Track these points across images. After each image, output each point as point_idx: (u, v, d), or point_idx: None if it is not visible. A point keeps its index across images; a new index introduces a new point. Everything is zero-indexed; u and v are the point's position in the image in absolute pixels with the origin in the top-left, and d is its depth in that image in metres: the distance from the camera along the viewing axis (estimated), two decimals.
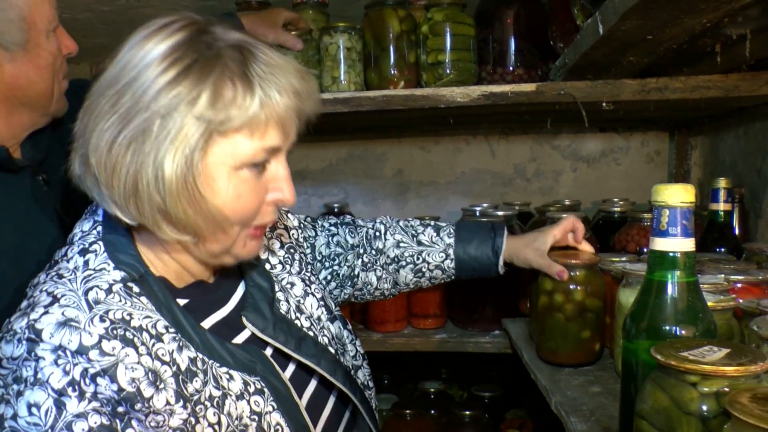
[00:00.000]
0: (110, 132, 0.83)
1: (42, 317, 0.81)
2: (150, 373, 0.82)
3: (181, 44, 0.84)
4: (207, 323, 0.96)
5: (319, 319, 1.12)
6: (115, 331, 0.82)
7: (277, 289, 1.08)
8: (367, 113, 1.75)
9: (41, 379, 0.77)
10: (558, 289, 1.34)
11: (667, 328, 0.85)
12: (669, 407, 0.73)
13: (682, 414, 0.71)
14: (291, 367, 1.03)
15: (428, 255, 1.39)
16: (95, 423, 0.76)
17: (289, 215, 1.27)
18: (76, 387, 0.77)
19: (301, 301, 1.11)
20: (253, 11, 1.89)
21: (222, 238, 0.92)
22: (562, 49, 1.53)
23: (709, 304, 0.96)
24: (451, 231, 1.42)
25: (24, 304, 0.85)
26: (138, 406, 0.80)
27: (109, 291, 0.86)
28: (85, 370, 0.78)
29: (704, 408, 0.70)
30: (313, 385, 1.05)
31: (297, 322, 1.07)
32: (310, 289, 1.15)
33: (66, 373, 0.77)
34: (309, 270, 1.20)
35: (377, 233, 1.40)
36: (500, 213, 1.87)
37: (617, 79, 1.57)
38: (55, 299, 0.83)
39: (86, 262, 0.88)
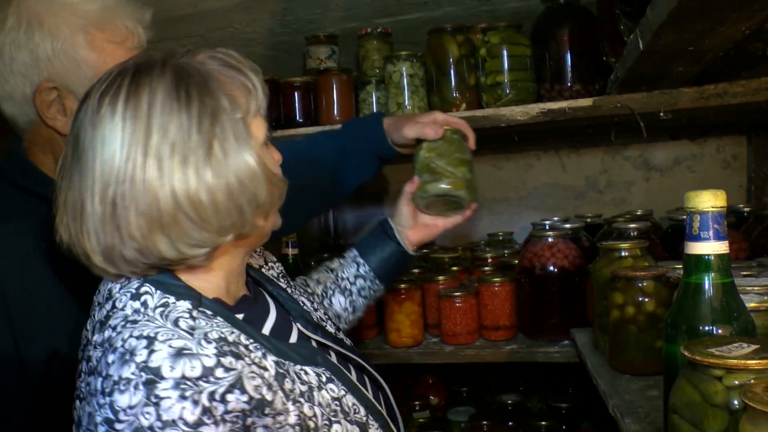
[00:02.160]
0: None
1: (152, 356, 0.79)
2: (263, 379, 0.86)
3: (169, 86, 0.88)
4: (266, 330, 1.02)
5: (333, 324, 1.22)
6: (223, 348, 0.83)
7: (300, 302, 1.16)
8: None
9: (170, 420, 0.77)
10: (629, 302, 1.37)
11: (704, 328, 0.89)
12: (698, 401, 0.77)
13: (708, 407, 0.75)
14: (333, 356, 1.09)
15: (342, 271, 1.46)
16: None
17: (266, 252, 1.30)
18: (209, 413, 0.78)
19: (317, 314, 1.18)
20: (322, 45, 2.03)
21: (272, 214, 0.99)
22: (614, 63, 1.57)
23: (754, 304, 0.99)
24: (350, 248, 1.51)
25: (111, 358, 0.82)
26: (267, 410, 0.84)
27: (192, 318, 0.87)
28: (213, 392, 0.79)
29: (730, 400, 0.74)
30: (352, 369, 1.11)
31: (327, 328, 1.16)
32: (314, 305, 1.22)
33: (195, 403, 0.78)
34: (303, 290, 1.27)
35: (308, 279, 1.48)
36: (567, 226, 1.92)
37: (673, 88, 1.60)
38: (152, 339, 0.82)
39: (144, 303, 0.88)
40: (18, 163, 1.18)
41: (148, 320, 0.85)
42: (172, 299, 0.89)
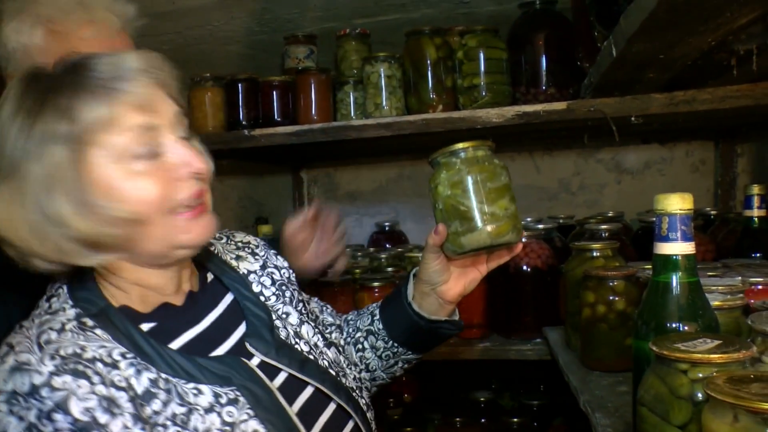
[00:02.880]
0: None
1: None
2: (104, 401, 0.84)
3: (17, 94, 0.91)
4: (177, 343, 0.98)
5: (316, 345, 1.13)
6: (65, 366, 0.84)
7: (274, 318, 1.11)
8: (410, 136, 1.87)
9: None
10: (600, 300, 1.41)
11: (671, 324, 0.93)
12: (664, 393, 0.81)
13: (674, 398, 0.79)
14: (282, 376, 1.03)
15: (359, 322, 1.32)
16: None
17: (279, 257, 1.26)
18: (36, 430, 0.79)
19: (298, 329, 1.13)
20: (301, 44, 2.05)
21: (153, 234, 0.93)
22: (588, 68, 1.61)
23: (717, 303, 1.04)
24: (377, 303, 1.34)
25: None
26: None
27: (61, 330, 0.89)
28: (40, 410, 0.80)
29: (694, 392, 0.78)
30: (309, 391, 1.05)
31: (297, 347, 1.09)
32: (305, 318, 1.17)
33: (21, 419, 0.79)
34: (302, 304, 1.21)
35: (349, 319, 1.38)
36: (540, 226, 1.95)
37: (645, 94, 1.64)
38: (11, 348, 0.86)
39: (49, 307, 0.93)
40: None
41: (27, 327, 0.90)
42: (68, 305, 0.93)
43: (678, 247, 0.93)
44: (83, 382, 0.83)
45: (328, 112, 1.99)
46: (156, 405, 0.88)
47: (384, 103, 1.87)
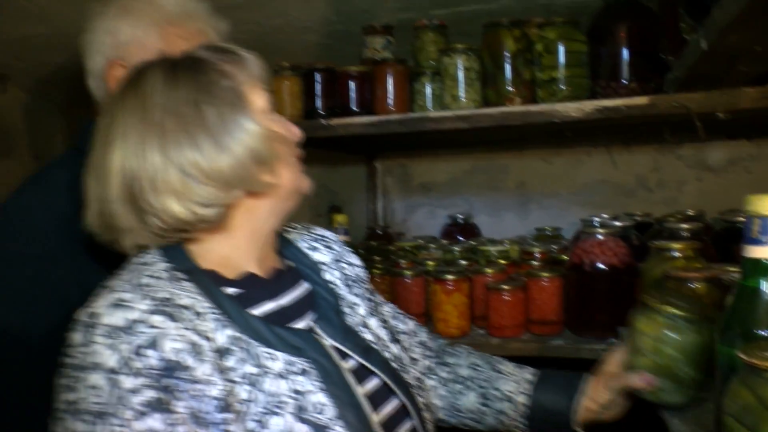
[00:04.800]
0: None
1: (97, 303, 0.90)
2: (192, 345, 0.89)
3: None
4: (256, 310, 1.03)
5: (381, 337, 1.15)
6: (159, 308, 0.90)
7: (342, 304, 1.15)
8: (487, 128, 1.85)
9: (95, 362, 0.85)
10: None
11: (760, 332, 0.89)
12: (754, 404, 0.78)
13: (765, 410, 0.76)
14: (351, 362, 1.06)
15: (501, 383, 1.27)
16: (149, 397, 0.84)
17: (354, 255, 1.30)
18: (127, 363, 0.84)
19: (366, 320, 1.16)
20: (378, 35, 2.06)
21: (287, 177, 1.05)
22: (673, 62, 1.56)
23: None
24: (535, 371, 1.29)
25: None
26: (182, 374, 0.87)
27: (155, 277, 0.95)
28: (131, 343, 0.86)
29: None
30: (375, 382, 1.07)
31: (362, 335, 1.12)
32: (374, 311, 1.20)
33: (114, 350, 0.85)
34: (372, 303, 1.23)
35: (454, 351, 1.36)
36: (617, 223, 1.91)
37: (734, 88, 1.58)
38: (111, 289, 0.92)
39: (141, 261, 1.00)
40: (85, 134, 1.30)
41: (124, 272, 0.97)
42: (159, 260, 0.99)
43: None
44: (175, 324, 0.89)
45: (404, 103, 1.98)
46: (232, 361, 0.93)
47: (461, 95, 1.86)
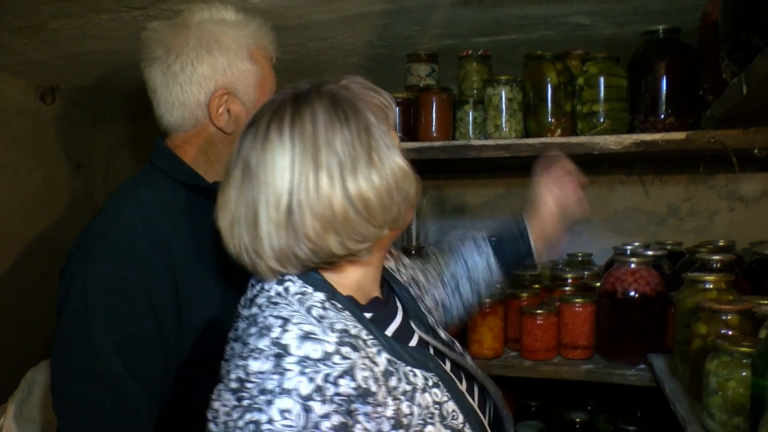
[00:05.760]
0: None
1: (284, 335, 0.93)
2: (372, 372, 0.96)
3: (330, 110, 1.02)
4: (389, 331, 1.12)
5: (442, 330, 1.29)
6: (343, 339, 0.95)
7: (420, 305, 1.26)
8: (526, 156, 1.91)
9: (288, 389, 0.88)
10: (712, 333, 1.41)
11: None
12: None
13: None
14: (447, 364, 1.18)
15: (479, 270, 1.49)
16: (336, 421, 0.89)
17: (405, 257, 1.45)
18: (320, 391, 0.89)
19: (431, 318, 1.28)
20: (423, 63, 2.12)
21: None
22: (712, 100, 1.61)
23: None
24: (483, 235, 1.54)
25: (252, 330, 0.97)
26: (369, 399, 0.94)
27: (323, 308, 1.00)
28: (328, 374, 0.90)
29: None
30: (463, 378, 1.19)
31: (439, 331, 1.25)
32: (428, 307, 1.33)
33: (311, 380, 0.89)
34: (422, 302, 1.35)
35: (432, 268, 1.52)
36: (650, 253, 1.96)
37: None
38: (286, 320, 0.96)
39: (287, 289, 1.02)
40: (168, 157, 1.39)
41: (286, 303, 0.99)
42: (310, 289, 1.02)
43: None
44: (358, 354, 0.96)
45: (447, 130, 2.05)
46: (393, 381, 1.01)
47: (504, 124, 1.93)
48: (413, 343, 1.15)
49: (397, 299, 1.23)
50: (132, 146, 3.22)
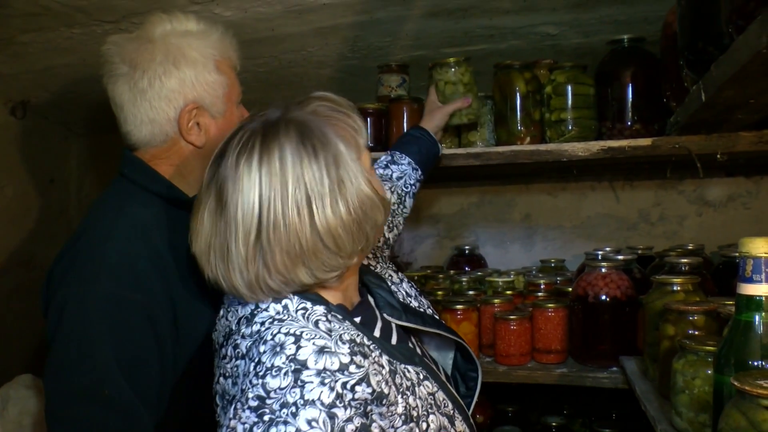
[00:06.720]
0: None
1: (299, 351, 0.96)
2: (382, 375, 1.02)
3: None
4: (377, 332, 1.16)
5: (416, 297, 1.35)
6: (354, 349, 1.00)
7: (389, 283, 1.31)
8: (497, 165, 1.95)
9: (310, 399, 0.92)
10: (680, 333, 1.44)
11: (753, 362, 0.97)
12: (745, 427, 0.86)
13: (755, 431, 0.84)
14: (424, 354, 1.25)
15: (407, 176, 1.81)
16: (359, 423, 0.93)
17: None
18: (341, 398, 0.93)
19: (403, 286, 1.34)
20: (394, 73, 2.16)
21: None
22: (675, 107, 1.65)
23: None
24: (401, 154, 1.82)
25: (263, 348, 0.98)
26: (384, 401, 0.99)
27: (328, 320, 1.03)
28: (345, 382, 0.95)
29: None
30: (441, 370, 1.28)
31: (411, 304, 1.30)
32: (398, 276, 1.38)
33: (332, 389, 0.93)
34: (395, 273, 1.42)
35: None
36: (620, 257, 1.99)
37: (732, 132, 1.67)
38: (298, 336, 0.98)
39: (286, 306, 1.05)
40: (145, 171, 1.39)
41: (292, 320, 1.02)
42: (308, 304, 1.06)
43: (762, 289, 0.98)
44: (368, 360, 1.01)
45: None
46: (398, 379, 1.06)
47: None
48: (394, 341, 1.19)
49: (368, 295, 1.26)
50: (105, 160, 3.20)
